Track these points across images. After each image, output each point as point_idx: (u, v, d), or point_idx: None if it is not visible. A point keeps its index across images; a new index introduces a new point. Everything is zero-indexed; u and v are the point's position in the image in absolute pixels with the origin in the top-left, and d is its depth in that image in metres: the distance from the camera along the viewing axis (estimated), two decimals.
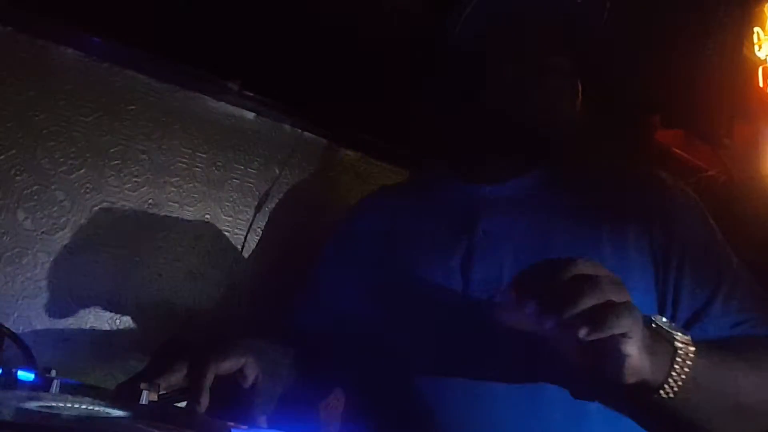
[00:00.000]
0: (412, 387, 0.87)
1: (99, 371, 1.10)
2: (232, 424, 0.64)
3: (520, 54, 0.93)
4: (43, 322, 1.08)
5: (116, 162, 1.16)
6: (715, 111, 1.87)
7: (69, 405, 0.56)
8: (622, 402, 0.77)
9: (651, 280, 0.86)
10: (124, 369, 1.04)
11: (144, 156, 1.18)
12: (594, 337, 0.64)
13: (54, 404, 0.56)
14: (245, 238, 1.27)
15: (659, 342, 0.70)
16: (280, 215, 1.31)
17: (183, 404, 0.75)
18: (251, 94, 1.24)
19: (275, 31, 1.24)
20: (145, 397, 0.64)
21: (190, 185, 1.22)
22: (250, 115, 1.29)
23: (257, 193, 1.30)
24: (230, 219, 1.26)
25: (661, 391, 0.69)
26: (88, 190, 1.13)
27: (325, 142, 1.37)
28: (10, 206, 1.07)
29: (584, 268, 0.66)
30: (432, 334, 0.88)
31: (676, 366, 0.69)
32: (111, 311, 1.13)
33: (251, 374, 0.82)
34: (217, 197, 1.25)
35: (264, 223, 1.30)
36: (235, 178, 1.27)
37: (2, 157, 1.07)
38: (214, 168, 1.25)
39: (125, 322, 1.14)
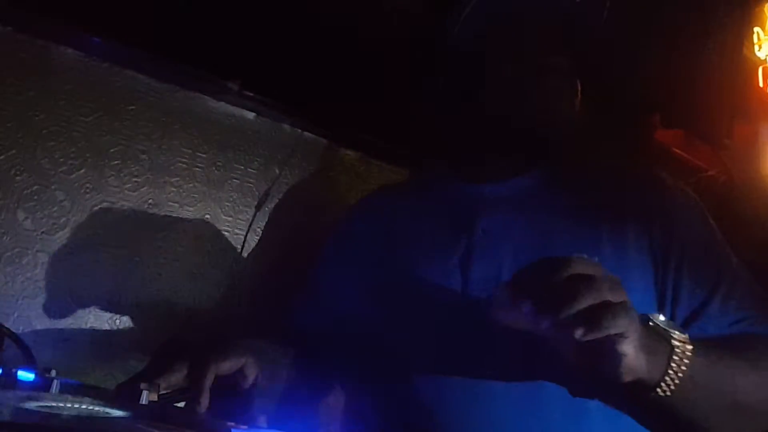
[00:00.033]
0: (412, 386, 0.87)
1: (99, 371, 1.09)
2: (232, 424, 0.64)
3: (519, 54, 0.93)
4: (43, 322, 1.08)
5: (116, 162, 1.16)
6: (715, 111, 1.87)
7: (69, 405, 0.56)
8: (620, 400, 0.78)
9: (650, 280, 0.87)
10: (124, 369, 1.04)
11: (144, 156, 1.18)
12: (590, 337, 0.64)
13: (54, 404, 0.56)
14: (245, 238, 1.27)
15: (656, 340, 0.70)
16: (280, 215, 1.31)
17: (183, 404, 0.75)
18: (251, 94, 1.24)
19: (275, 31, 1.24)
20: (145, 397, 0.64)
21: (190, 185, 1.22)
22: (250, 115, 1.29)
23: (257, 193, 1.30)
24: (230, 219, 1.26)
25: (659, 389, 0.70)
26: (88, 190, 1.13)
27: (325, 142, 1.37)
28: (10, 206, 1.07)
29: (581, 267, 0.66)
30: (431, 333, 0.88)
31: (673, 364, 0.69)
32: (111, 311, 1.13)
33: (251, 374, 0.82)
34: (217, 197, 1.25)
35: (264, 223, 1.30)
36: (235, 178, 1.27)
37: (2, 157, 1.07)
38: (214, 168, 1.25)
39: (125, 322, 1.14)
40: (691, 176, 1.74)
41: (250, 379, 0.82)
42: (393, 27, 1.30)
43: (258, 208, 1.29)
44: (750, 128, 2.01)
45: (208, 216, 1.24)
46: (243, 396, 0.82)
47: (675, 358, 0.70)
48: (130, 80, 1.18)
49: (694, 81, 1.79)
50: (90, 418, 0.55)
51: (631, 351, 0.66)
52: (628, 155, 1.57)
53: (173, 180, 1.21)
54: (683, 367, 0.70)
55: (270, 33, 1.23)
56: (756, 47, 2.12)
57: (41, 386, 0.64)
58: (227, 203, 1.26)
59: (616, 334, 0.65)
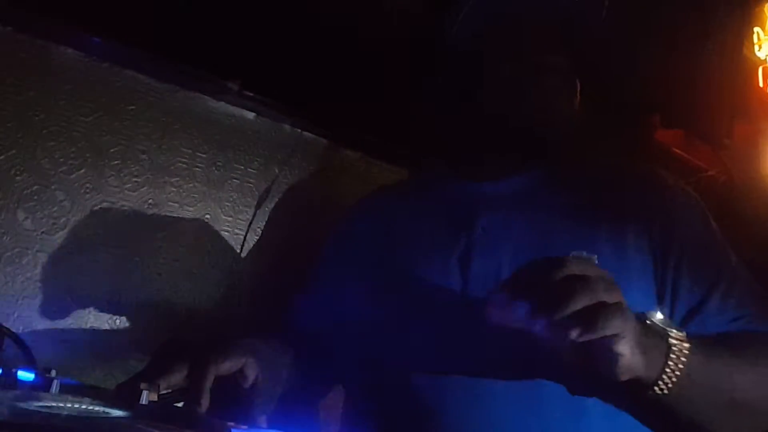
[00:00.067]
0: (412, 385, 0.87)
1: (99, 371, 1.09)
2: (232, 424, 0.64)
3: (517, 53, 0.94)
4: (43, 322, 1.08)
5: (116, 162, 1.16)
6: (715, 111, 1.87)
7: (69, 405, 0.56)
8: (619, 398, 0.78)
9: (650, 278, 0.87)
10: (124, 369, 1.04)
11: (144, 156, 1.18)
12: (585, 338, 0.64)
13: (54, 404, 0.56)
14: (245, 238, 1.27)
15: (653, 338, 0.70)
16: (280, 215, 1.31)
17: (182, 404, 0.75)
18: (251, 94, 1.24)
19: (275, 31, 1.24)
20: (145, 397, 0.64)
21: (190, 185, 1.22)
22: (250, 115, 1.29)
23: (257, 193, 1.29)
24: (230, 219, 1.26)
25: (656, 388, 0.70)
26: (88, 190, 1.13)
27: (325, 142, 1.37)
28: (10, 206, 1.07)
29: (576, 267, 0.66)
30: (431, 331, 0.88)
31: (671, 362, 0.70)
32: (111, 311, 1.13)
33: (251, 374, 0.82)
34: (217, 197, 1.25)
35: (264, 223, 1.30)
36: (235, 178, 1.27)
37: (2, 157, 1.07)
38: (214, 168, 1.25)
39: (125, 322, 1.14)
40: (691, 176, 1.75)
41: (250, 379, 0.82)
42: (393, 27, 1.30)
43: (258, 208, 1.29)
44: (750, 128, 2.01)
45: (208, 216, 1.24)
46: (243, 396, 0.82)
47: (672, 356, 0.70)
48: (130, 80, 1.18)
49: (694, 81, 1.79)
50: (90, 418, 0.55)
51: (627, 350, 0.66)
52: (628, 155, 1.57)
53: (173, 180, 1.21)
54: (680, 365, 0.70)
55: (270, 33, 1.23)
56: (756, 47, 2.12)
57: (41, 386, 0.64)
58: (227, 203, 1.26)
59: (611, 335, 0.65)
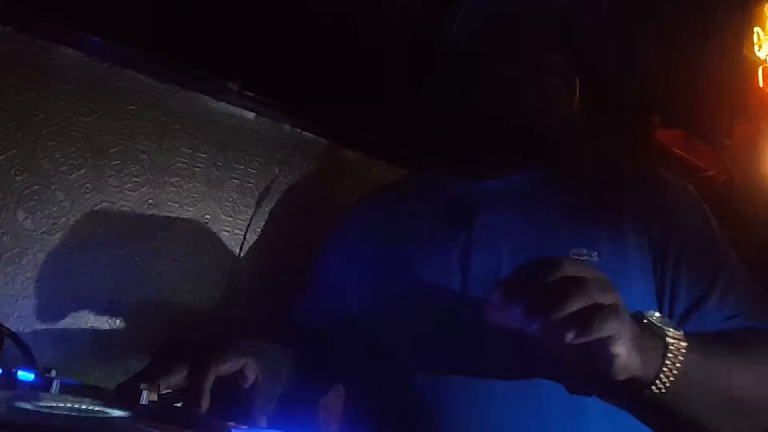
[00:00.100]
0: (412, 384, 0.87)
1: (99, 371, 1.09)
2: (232, 424, 0.64)
3: (516, 53, 0.94)
4: (43, 322, 1.08)
5: (116, 162, 1.16)
6: (715, 111, 1.87)
7: (69, 405, 0.56)
8: (617, 397, 0.78)
9: (649, 277, 0.87)
10: (124, 369, 1.04)
11: (144, 156, 1.18)
12: (581, 340, 0.64)
13: (54, 404, 0.56)
14: (245, 238, 1.27)
15: (650, 338, 0.70)
16: (280, 215, 1.31)
17: (182, 404, 0.75)
18: (251, 94, 1.24)
19: (275, 31, 1.24)
20: (145, 397, 0.64)
21: (190, 185, 1.22)
22: (250, 115, 1.29)
23: (257, 193, 1.29)
24: (230, 219, 1.26)
25: (653, 387, 0.70)
26: (88, 190, 1.13)
27: (325, 142, 1.37)
28: (10, 206, 1.07)
29: (572, 269, 0.66)
30: (431, 330, 0.88)
31: (668, 361, 0.70)
32: (111, 311, 1.13)
33: (251, 375, 0.82)
34: (217, 197, 1.25)
35: (264, 223, 1.30)
36: (235, 178, 1.27)
37: (2, 157, 1.07)
38: (214, 168, 1.25)
39: (125, 322, 1.14)
40: (691, 176, 1.74)
41: (250, 379, 0.82)
42: (393, 27, 1.30)
43: (257, 208, 1.29)
44: (750, 128, 2.01)
45: (208, 216, 1.24)
46: (243, 396, 0.82)
47: (669, 355, 0.70)
48: (130, 80, 1.18)
49: (694, 81, 1.79)
50: (90, 418, 0.55)
51: (623, 351, 0.66)
52: (628, 155, 1.57)
53: (173, 180, 1.21)
54: (678, 364, 0.70)
55: (270, 33, 1.23)
56: (756, 47, 2.12)
57: (41, 386, 0.64)
58: (227, 203, 1.26)
59: (607, 336, 0.65)
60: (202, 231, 1.23)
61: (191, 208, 1.22)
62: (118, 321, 1.14)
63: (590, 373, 0.69)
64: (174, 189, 1.21)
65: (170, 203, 1.20)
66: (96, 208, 1.14)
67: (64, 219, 1.11)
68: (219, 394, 0.76)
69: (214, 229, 1.25)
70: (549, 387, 0.80)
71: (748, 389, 0.77)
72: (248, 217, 1.28)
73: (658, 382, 0.70)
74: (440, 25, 1.00)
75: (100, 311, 1.12)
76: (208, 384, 0.75)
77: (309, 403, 1.04)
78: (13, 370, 0.65)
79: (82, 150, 1.13)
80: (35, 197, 1.09)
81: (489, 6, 0.95)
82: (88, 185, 1.13)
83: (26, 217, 1.08)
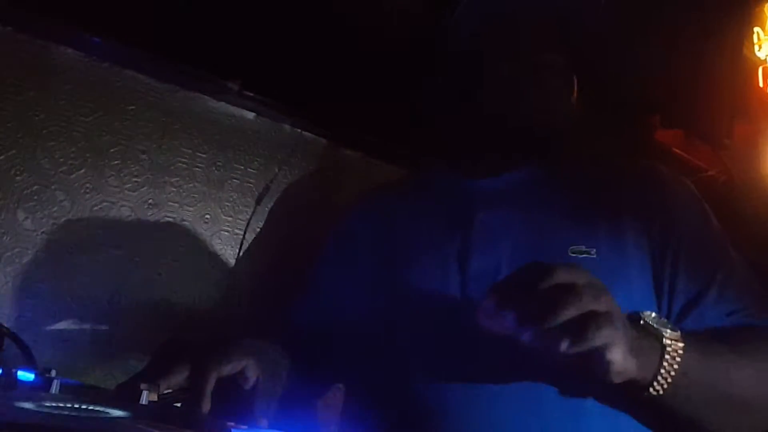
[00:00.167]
0: (411, 384, 0.87)
1: (99, 371, 1.09)
2: (232, 424, 0.64)
3: (516, 53, 0.94)
4: (43, 322, 1.08)
5: (116, 162, 1.16)
6: (715, 111, 1.87)
7: (69, 405, 0.56)
8: (615, 398, 0.78)
9: (648, 276, 0.87)
10: (124, 369, 1.04)
11: (144, 156, 1.18)
12: (575, 350, 0.64)
13: (54, 404, 0.56)
14: (244, 237, 1.27)
15: (647, 340, 0.70)
16: (280, 215, 1.31)
17: (182, 404, 0.75)
18: (251, 94, 1.24)
19: (275, 31, 1.24)
20: (145, 397, 0.64)
21: (190, 185, 1.22)
22: (250, 115, 1.29)
23: (257, 193, 1.29)
24: (230, 219, 1.26)
25: (651, 389, 0.70)
26: (88, 190, 1.13)
27: (325, 142, 1.37)
28: (10, 206, 1.07)
29: (565, 276, 0.66)
30: (430, 330, 0.88)
31: (665, 363, 0.70)
32: (111, 311, 1.13)
33: (252, 376, 0.82)
34: (217, 197, 1.25)
35: (264, 223, 1.30)
36: (235, 178, 1.27)
37: (2, 157, 1.07)
38: (214, 168, 1.25)
39: (125, 322, 1.14)
40: (691, 176, 1.74)
41: (251, 380, 0.82)
42: (393, 27, 1.30)
43: (257, 207, 1.29)
44: (750, 128, 2.01)
45: (208, 216, 1.24)
46: (243, 397, 0.82)
47: (667, 356, 0.70)
48: (130, 80, 1.18)
49: (694, 81, 1.79)
50: (90, 418, 0.55)
51: (618, 357, 0.65)
52: (628, 155, 1.57)
53: (173, 180, 1.21)
54: (675, 366, 0.70)
55: (270, 33, 1.23)
56: (756, 47, 2.12)
57: (41, 386, 0.64)
58: (227, 203, 1.26)
59: (601, 344, 0.64)
60: (202, 231, 1.23)
61: (191, 208, 1.22)
62: (118, 321, 1.14)
63: (586, 377, 0.69)
64: (174, 189, 1.21)
65: (170, 203, 1.20)
66: (96, 208, 1.14)
67: (64, 219, 1.11)
68: (219, 394, 0.76)
69: (214, 229, 1.25)
70: (548, 387, 0.80)
71: (747, 388, 0.77)
72: (248, 217, 1.28)
73: (655, 383, 0.70)
74: (440, 25, 1.00)
75: (100, 311, 1.12)
76: (210, 386, 0.75)
77: (309, 403, 1.04)
78: (13, 370, 0.65)
79: (82, 150, 1.13)
80: (35, 197, 1.09)
81: (488, 6, 0.95)
82: (88, 185, 1.13)
83: (26, 217, 1.08)
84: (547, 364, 0.71)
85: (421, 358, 0.88)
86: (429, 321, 0.89)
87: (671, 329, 0.72)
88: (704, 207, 0.94)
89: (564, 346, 0.63)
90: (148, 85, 1.19)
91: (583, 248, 0.85)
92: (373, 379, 0.93)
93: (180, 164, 1.22)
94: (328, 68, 1.28)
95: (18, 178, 1.08)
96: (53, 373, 0.67)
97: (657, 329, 0.71)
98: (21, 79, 1.08)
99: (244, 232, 1.27)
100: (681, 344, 0.71)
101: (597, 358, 0.65)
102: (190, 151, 1.23)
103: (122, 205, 1.16)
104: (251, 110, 1.29)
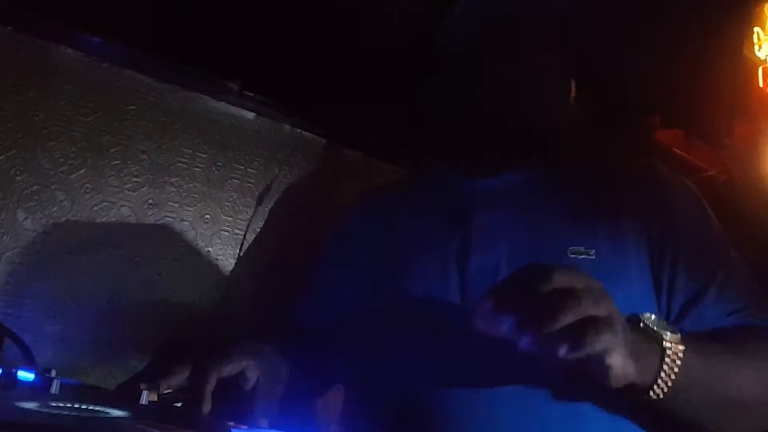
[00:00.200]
0: (411, 384, 0.87)
1: (99, 371, 1.09)
2: (232, 424, 0.64)
3: (516, 53, 0.94)
4: (43, 322, 1.08)
5: (116, 162, 1.16)
6: (715, 111, 1.87)
7: (69, 405, 0.56)
8: (615, 402, 0.78)
9: (648, 275, 0.87)
10: (124, 369, 1.04)
11: (144, 156, 1.18)
12: (574, 356, 0.63)
13: (54, 404, 0.56)
14: (245, 238, 1.27)
15: (647, 343, 0.70)
16: (280, 215, 1.31)
17: (182, 404, 0.75)
18: (251, 94, 1.24)
19: (275, 31, 1.24)
20: (145, 397, 0.64)
21: (190, 185, 1.22)
22: (250, 115, 1.29)
23: (257, 193, 1.29)
24: (230, 219, 1.26)
25: (651, 392, 0.69)
26: (88, 190, 1.13)
27: (325, 142, 1.37)
28: (10, 206, 1.07)
29: (563, 279, 0.65)
30: (430, 330, 0.88)
31: (665, 366, 0.69)
32: (111, 311, 1.13)
33: (252, 376, 0.82)
34: (217, 197, 1.25)
35: (264, 223, 1.30)
36: (235, 178, 1.27)
37: (2, 157, 1.07)
38: (214, 168, 1.25)
39: (125, 322, 1.14)
40: (691, 176, 1.74)
41: (251, 381, 0.82)
42: (393, 27, 1.30)
43: (258, 208, 1.29)
44: (750, 128, 2.01)
45: (208, 216, 1.24)
46: (244, 398, 0.82)
47: (667, 359, 0.70)
48: (130, 80, 1.18)
49: (694, 81, 1.79)
50: (90, 418, 0.55)
51: (618, 362, 0.65)
52: (628, 155, 1.57)
53: (173, 180, 1.21)
54: (675, 369, 0.70)
55: (270, 33, 1.23)
56: (756, 47, 2.12)
57: (41, 386, 0.64)
58: (227, 203, 1.26)
59: (600, 350, 0.64)
60: (202, 231, 1.23)
61: (191, 208, 1.22)
62: (118, 321, 1.14)
63: (585, 382, 0.68)
64: (174, 189, 1.21)
65: (170, 203, 1.20)
66: (96, 208, 1.14)
67: (64, 219, 1.11)
68: (220, 394, 0.76)
69: (214, 229, 1.25)
70: (548, 388, 0.80)
71: (747, 389, 0.77)
72: (248, 217, 1.28)
73: (655, 387, 0.69)
74: (440, 25, 1.00)
75: (100, 311, 1.12)
76: (210, 386, 0.75)
77: (309, 403, 1.04)
78: (13, 370, 0.65)
79: (82, 150, 1.13)
80: (35, 197, 1.09)
81: (488, 6, 0.95)
82: (88, 185, 1.13)
83: (26, 217, 1.08)
84: (545, 368, 0.71)
85: (420, 358, 0.87)
86: (428, 321, 0.89)
87: (671, 332, 0.71)
88: (704, 207, 0.94)
89: (563, 352, 0.63)
90: (148, 85, 1.19)
91: (582, 249, 0.85)
92: (373, 380, 0.93)
93: (180, 164, 1.22)
94: (328, 68, 1.28)
95: (18, 178, 1.08)
96: (53, 373, 0.67)
97: (657, 332, 0.71)
98: (21, 79, 1.08)
99: (245, 233, 1.27)
100: (681, 347, 0.70)
101: (596, 363, 0.65)
102: (190, 151, 1.23)
103: (122, 205, 1.16)
104: (251, 110, 1.29)
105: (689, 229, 0.89)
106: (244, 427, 0.65)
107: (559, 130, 0.95)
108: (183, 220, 1.21)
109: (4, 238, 1.06)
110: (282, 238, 1.31)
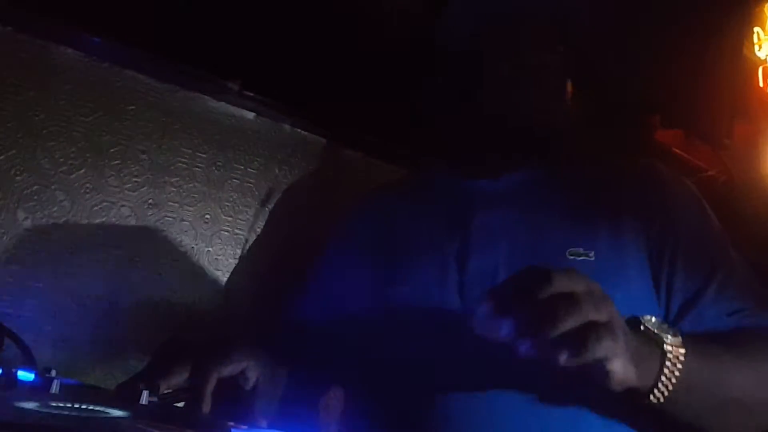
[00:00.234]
0: (411, 385, 0.87)
1: (99, 371, 1.09)
2: (232, 424, 0.64)
3: (515, 53, 0.94)
4: (43, 322, 1.08)
5: (116, 162, 1.16)
6: (715, 111, 1.87)
7: (69, 405, 0.56)
8: (615, 405, 0.77)
9: (647, 276, 0.86)
10: (124, 369, 1.04)
11: (144, 156, 1.18)
12: (574, 363, 0.62)
13: (54, 404, 0.56)
14: (245, 238, 1.27)
15: (648, 347, 0.69)
16: (280, 215, 1.31)
17: (183, 404, 0.75)
18: (251, 94, 1.24)
19: (275, 31, 1.24)
20: (145, 397, 0.64)
21: (190, 185, 1.22)
22: (250, 115, 1.29)
23: (257, 193, 1.29)
24: (230, 219, 1.26)
25: (651, 396, 0.69)
26: (88, 190, 1.13)
27: (325, 142, 1.37)
28: (10, 206, 1.07)
29: (563, 283, 0.64)
30: (429, 331, 0.88)
31: (666, 370, 0.69)
32: (111, 311, 1.13)
33: (253, 376, 0.82)
34: (217, 197, 1.25)
35: (264, 223, 1.30)
36: (235, 178, 1.27)
37: (2, 157, 1.07)
38: (214, 168, 1.25)
39: (125, 322, 1.14)
40: (691, 176, 1.74)
41: (252, 381, 0.82)
42: (393, 27, 1.30)
43: (258, 208, 1.29)
44: (750, 128, 2.01)
45: (208, 216, 1.24)
46: (244, 398, 0.82)
47: (668, 363, 0.69)
48: (130, 80, 1.18)
49: (694, 81, 1.79)
50: (90, 418, 0.55)
51: (618, 368, 0.64)
52: (628, 155, 1.57)
53: (173, 180, 1.21)
54: (676, 372, 0.69)
55: (270, 33, 1.23)
56: (756, 47, 2.12)
57: (41, 386, 0.64)
58: (227, 203, 1.26)
59: (601, 356, 0.63)
60: (202, 231, 1.23)
61: (191, 208, 1.22)
62: (118, 321, 1.14)
63: (585, 384, 0.68)
64: (174, 189, 1.21)
65: (170, 203, 1.20)
66: (96, 208, 1.14)
67: (64, 219, 1.11)
68: (220, 394, 0.76)
69: (214, 229, 1.25)
70: (548, 390, 0.80)
71: (748, 391, 0.77)
72: (248, 217, 1.28)
73: (656, 390, 0.69)
74: (440, 25, 1.00)
75: (100, 311, 1.12)
76: (210, 386, 0.75)
77: (309, 403, 1.04)
78: (13, 370, 0.65)
79: (82, 150, 1.13)
80: (35, 197, 1.09)
81: (487, 5, 0.95)
82: (88, 185, 1.13)
83: (26, 217, 1.08)
84: (545, 371, 0.71)
85: (419, 358, 0.87)
86: (428, 321, 0.89)
87: (672, 335, 0.70)
88: (704, 206, 0.94)
89: (563, 358, 0.62)
90: (148, 85, 1.19)
91: (581, 250, 0.85)
92: (373, 380, 0.93)
93: (180, 164, 1.22)
94: (328, 68, 1.28)
95: (18, 178, 1.08)
96: (53, 373, 0.67)
97: (657, 335, 0.70)
98: (21, 79, 1.08)
99: (246, 233, 1.27)
100: (682, 350, 0.70)
101: (597, 368, 0.64)
102: (190, 151, 1.23)
103: (122, 205, 1.16)
104: (251, 110, 1.29)
105: (689, 229, 0.89)
106: (244, 427, 0.65)
107: (559, 130, 0.95)
108: (183, 220, 1.21)
109: (4, 238, 1.06)
110: (282, 238, 1.31)
